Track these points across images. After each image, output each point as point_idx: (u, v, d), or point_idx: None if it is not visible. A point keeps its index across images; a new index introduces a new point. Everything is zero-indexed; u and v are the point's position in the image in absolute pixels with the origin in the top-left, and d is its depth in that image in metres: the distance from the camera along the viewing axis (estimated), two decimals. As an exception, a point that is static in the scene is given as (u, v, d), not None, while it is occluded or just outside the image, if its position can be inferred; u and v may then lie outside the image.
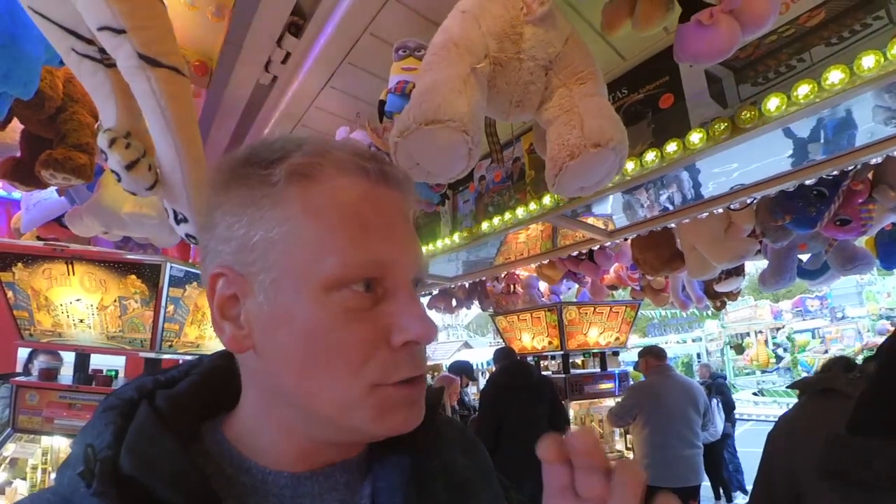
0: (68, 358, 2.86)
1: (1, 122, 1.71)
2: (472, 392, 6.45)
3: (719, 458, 5.57)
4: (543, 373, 4.87)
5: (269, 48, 1.57)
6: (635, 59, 1.77)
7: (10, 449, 2.64)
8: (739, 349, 16.25)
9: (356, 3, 1.40)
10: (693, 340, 18.02)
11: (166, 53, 0.82)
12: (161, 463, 0.43)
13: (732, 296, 3.77)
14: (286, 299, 0.43)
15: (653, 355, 3.87)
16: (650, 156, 1.63)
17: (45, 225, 2.86)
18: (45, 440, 2.64)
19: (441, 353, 16.31)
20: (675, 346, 17.93)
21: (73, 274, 2.60)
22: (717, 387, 6.31)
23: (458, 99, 0.97)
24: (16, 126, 1.83)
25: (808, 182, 1.80)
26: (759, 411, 12.72)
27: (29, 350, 3.06)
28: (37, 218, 2.80)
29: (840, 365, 0.95)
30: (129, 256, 2.58)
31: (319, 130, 2.04)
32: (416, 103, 0.99)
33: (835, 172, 1.73)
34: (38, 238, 2.84)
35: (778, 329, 15.57)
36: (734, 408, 6.38)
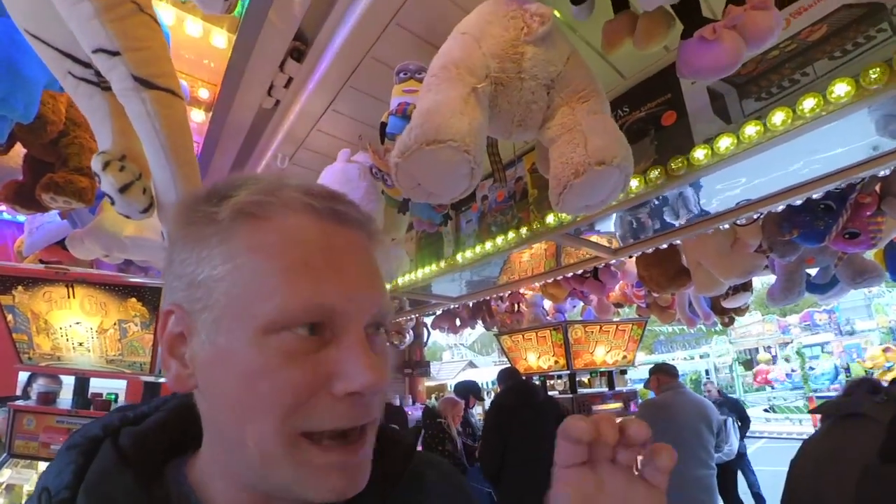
0: (69, 382, 2.82)
1: (3, 147, 1.71)
2: (478, 413, 6.33)
3: (733, 478, 5.41)
4: (550, 392, 4.80)
5: (271, 73, 1.58)
6: (635, 77, 1.76)
7: (6, 475, 2.58)
8: (749, 365, 16.00)
9: (357, 28, 1.41)
10: (701, 357, 17.77)
11: (161, 75, 0.82)
12: (118, 503, 0.43)
13: (740, 311, 3.71)
14: (225, 339, 0.42)
15: (664, 373, 3.79)
16: (654, 173, 1.61)
17: (47, 248, 2.86)
18: (42, 466, 2.59)
19: (446, 373, 16.16)
20: (683, 363, 17.68)
21: (74, 297, 2.58)
22: (732, 403, 6.17)
23: (459, 119, 0.96)
24: (19, 150, 1.83)
25: (815, 196, 1.77)
26: (771, 428, 12.44)
27: (28, 374, 3.03)
28: (39, 241, 2.81)
29: (865, 388, 0.91)
30: (130, 279, 2.56)
31: (322, 153, 2.04)
32: (417, 124, 0.97)
33: (842, 185, 1.70)
34: (41, 261, 2.83)
35: (786, 343, 15.35)
36: (749, 425, 6.22)
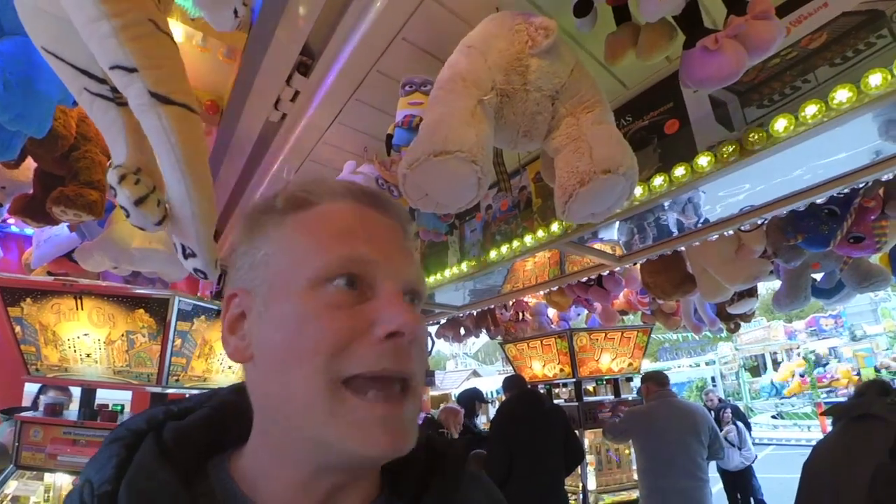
0: (75, 392, 2.83)
1: (15, 161, 1.74)
2: (482, 422, 6.28)
3: (747, 485, 5.33)
4: (556, 401, 4.78)
5: (278, 87, 1.61)
6: (638, 87, 1.79)
7: (13, 486, 2.58)
8: (755, 371, 15.87)
9: (363, 43, 1.43)
10: (707, 364, 17.64)
11: (177, 91, 0.84)
12: (158, 499, 0.43)
13: (746, 317, 3.69)
14: (278, 304, 0.46)
15: (654, 381, 3.74)
16: (658, 180, 1.62)
17: (55, 260, 2.89)
18: (48, 477, 2.59)
19: (449, 383, 16.06)
20: (689, 371, 17.55)
21: (82, 308, 2.60)
22: (735, 410, 6.12)
23: (467, 130, 0.98)
24: (29, 164, 1.86)
25: (818, 201, 1.78)
26: (779, 435, 12.30)
27: (38, 385, 3.04)
28: (47, 253, 2.84)
29: (875, 389, 0.91)
30: (137, 291, 2.58)
31: (327, 165, 2.06)
32: (425, 135, 0.99)
33: (845, 190, 1.70)
34: (49, 273, 2.86)
35: (793, 349, 15.23)
36: (749, 430, 6.15)
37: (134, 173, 0.91)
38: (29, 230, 3.33)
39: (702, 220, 2.04)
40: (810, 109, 1.34)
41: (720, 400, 6.83)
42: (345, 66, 1.52)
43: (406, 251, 0.51)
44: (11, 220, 3.47)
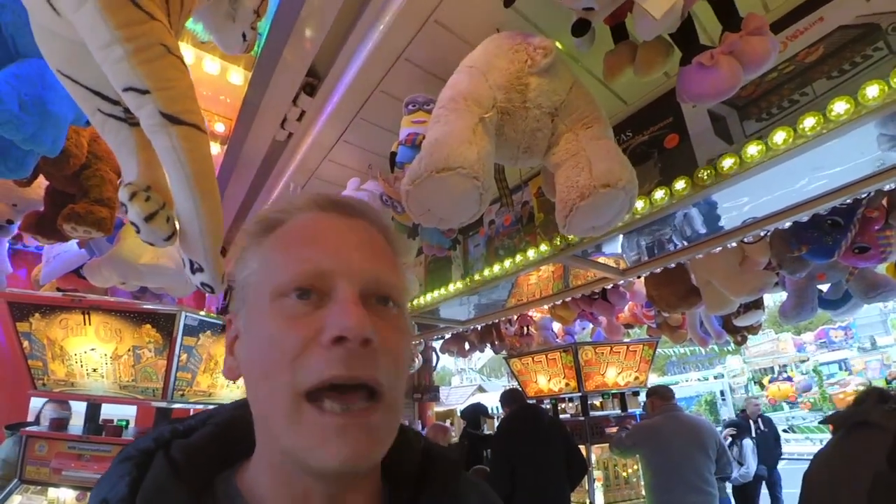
0: (76, 407, 2.84)
1: (27, 179, 1.78)
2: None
3: (753, 497, 5.25)
4: (562, 416, 4.73)
5: (285, 107, 1.65)
6: (637, 102, 1.81)
7: (16, 501, 2.58)
8: (764, 385, 15.62)
9: (367, 64, 1.47)
10: (715, 377, 17.38)
11: (187, 112, 0.87)
12: None
13: (753, 329, 3.66)
14: (253, 323, 0.49)
15: (658, 395, 3.72)
16: (659, 194, 1.63)
17: (64, 276, 2.92)
18: (52, 492, 2.59)
19: (455, 398, 15.91)
20: (697, 385, 17.30)
21: (90, 324, 2.62)
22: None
23: (468, 147, 1.00)
24: (41, 182, 1.90)
25: (821, 212, 1.78)
26: (790, 449, 12.04)
27: (43, 400, 3.05)
28: (56, 269, 2.87)
29: (874, 396, 0.91)
30: (144, 306, 2.60)
31: (333, 182, 2.10)
32: (427, 153, 1.02)
33: (848, 201, 1.71)
34: (58, 289, 2.89)
35: (802, 362, 15.00)
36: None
37: (144, 190, 0.93)
38: (39, 246, 3.38)
39: (703, 233, 2.05)
40: (809, 122, 1.35)
41: (742, 412, 6.63)
42: (350, 87, 1.56)
43: (374, 251, 0.51)
44: (24, 238, 3.52)
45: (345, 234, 0.50)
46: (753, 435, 5.69)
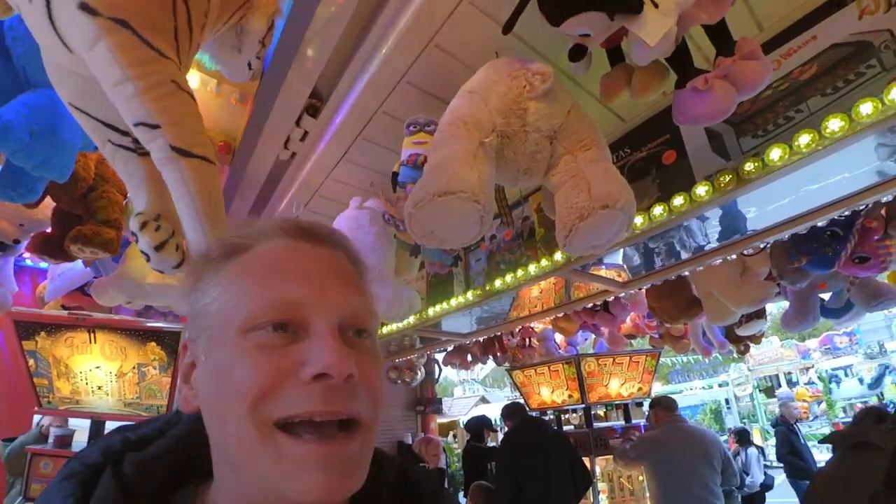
0: (76, 423, 2.84)
1: (35, 202, 1.81)
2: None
3: None
4: (566, 427, 4.71)
5: (288, 128, 1.68)
6: (635, 120, 1.84)
7: (20, 520, 2.58)
8: (770, 392, 15.49)
9: (370, 86, 1.50)
10: (719, 385, 17.25)
11: (196, 145, 0.89)
12: None
13: (756, 339, 3.66)
14: (214, 352, 0.46)
15: (662, 407, 3.71)
16: (658, 209, 1.65)
17: (69, 294, 2.94)
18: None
19: (458, 409, 15.79)
20: (702, 393, 17.15)
21: (95, 342, 2.64)
22: (741, 433, 5.95)
23: (469, 171, 1.03)
24: (48, 203, 1.93)
25: (819, 223, 1.80)
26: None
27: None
28: (61, 287, 2.89)
29: (872, 416, 0.92)
30: (150, 324, 2.62)
31: (335, 200, 2.13)
32: (430, 177, 1.04)
33: (846, 212, 1.72)
34: (63, 307, 2.91)
35: (807, 369, 14.88)
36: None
37: (154, 220, 0.96)
38: (44, 264, 3.40)
39: (702, 245, 2.06)
40: (804, 139, 1.37)
41: (780, 417, 6.07)
42: (352, 108, 1.59)
43: (347, 281, 0.49)
44: (27, 255, 3.55)
45: (317, 264, 0.48)
46: (802, 441, 5.29)
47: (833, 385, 13.93)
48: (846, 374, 13.80)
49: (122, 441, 0.50)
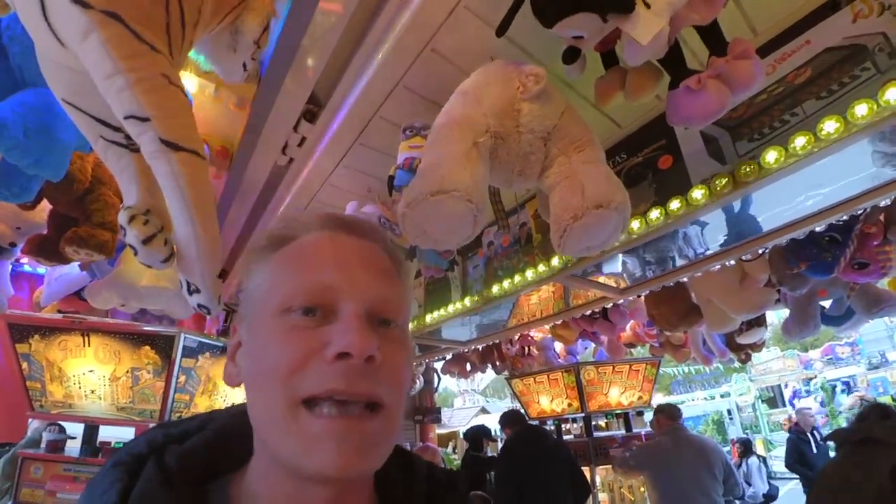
0: (71, 429, 2.82)
1: (31, 203, 1.81)
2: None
3: None
4: (565, 437, 4.67)
5: (286, 134, 1.67)
6: (631, 125, 1.84)
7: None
8: (772, 403, 15.36)
9: (367, 91, 1.50)
10: (721, 396, 17.12)
11: (186, 139, 0.89)
12: None
13: (756, 347, 3.63)
14: (255, 333, 0.50)
15: (665, 414, 3.68)
16: (654, 213, 1.65)
17: (65, 298, 2.94)
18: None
19: (458, 420, 15.68)
20: (703, 403, 17.02)
21: (89, 345, 2.63)
22: (744, 443, 5.88)
23: (462, 171, 1.02)
24: (44, 206, 1.93)
25: (817, 229, 1.79)
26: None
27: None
28: (57, 291, 2.88)
29: (877, 413, 0.91)
30: (144, 328, 2.61)
31: (332, 205, 2.13)
32: (423, 176, 1.04)
33: (844, 218, 1.71)
34: (59, 311, 2.90)
35: (810, 379, 14.78)
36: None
37: (143, 214, 0.95)
38: (41, 269, 3.40)
39: (700, 252, 2.05)
40: (799, 141, 1.37)
41: (795, 424, 5.86)
42: (349, 113, 1.59)
43: (380, 272, 0.52)
44: (24, 260, 3.55)
45: (353, 254, 0.52)
46: (815, 450, 5.10)
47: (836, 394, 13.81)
48: (848, 385, 13.70)
49: (165, 435, 0.55)
